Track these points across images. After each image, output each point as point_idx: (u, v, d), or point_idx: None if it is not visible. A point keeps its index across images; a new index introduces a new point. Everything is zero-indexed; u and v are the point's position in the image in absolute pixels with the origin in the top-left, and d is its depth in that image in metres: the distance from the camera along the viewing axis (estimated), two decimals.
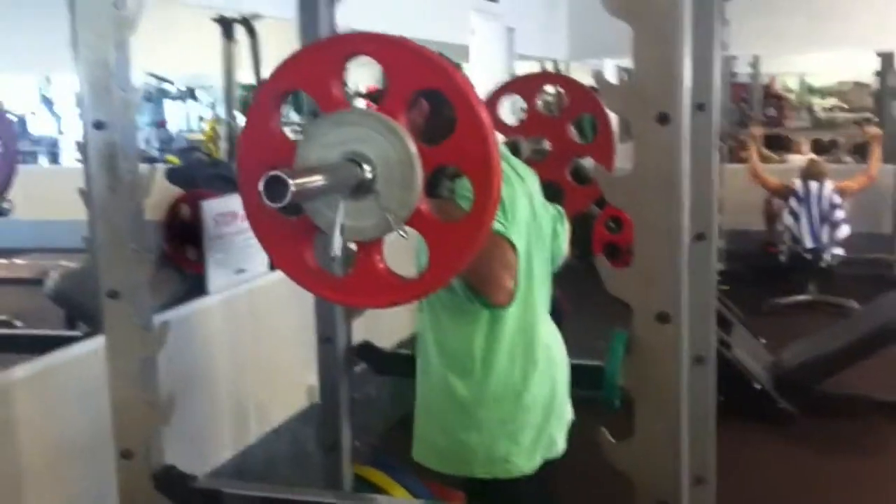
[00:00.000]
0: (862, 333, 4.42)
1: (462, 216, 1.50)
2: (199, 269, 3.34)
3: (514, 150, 2.54)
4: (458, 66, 1.50)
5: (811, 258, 6.34)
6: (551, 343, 2.21)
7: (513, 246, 1.91)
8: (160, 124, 12.56)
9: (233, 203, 3.28)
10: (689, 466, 1.80)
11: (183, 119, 13.34)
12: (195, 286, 3.26)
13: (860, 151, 9.84)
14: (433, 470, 2.25)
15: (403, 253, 1.65)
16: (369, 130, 1.43)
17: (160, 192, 3.86)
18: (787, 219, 6.43)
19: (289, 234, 1.61)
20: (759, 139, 6.93)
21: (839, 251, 6.37)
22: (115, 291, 1.94)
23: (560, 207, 2.37)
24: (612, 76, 9.18)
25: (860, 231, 6.89)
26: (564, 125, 2.79)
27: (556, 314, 2.52)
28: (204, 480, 1.99)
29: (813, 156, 7.82)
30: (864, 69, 12.00)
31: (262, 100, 1.56)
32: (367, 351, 2.95)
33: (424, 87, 1.48)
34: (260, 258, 3.30)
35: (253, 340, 3.22)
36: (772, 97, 12.27)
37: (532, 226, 2.10)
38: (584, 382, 2.77)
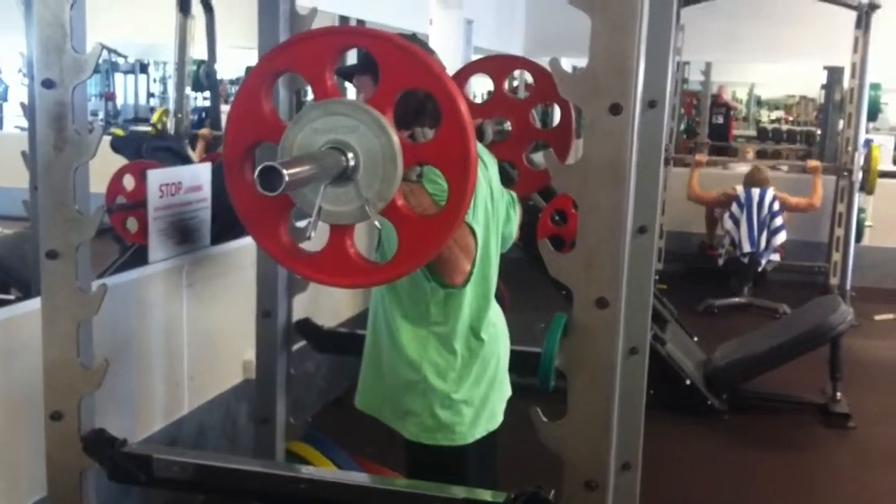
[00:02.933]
0: (790, 336, 4.54)
1: (432, 209, 1.60)
2: (140, 240, 3.30)
3: (479, 134, 2.59)
4: (443, 66, 1.54)
5: (748, 262, 6.48)
6: (496, 321, 2.26)
7: (473, 231, 1.96)
8: (108, 97, 12.37)
9: (178, 174, 3.26)
10: (617, 452, 1.84)
11: (132, 93, 13.15)
12: (137, 259, 3.23)
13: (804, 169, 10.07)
14: (374, 418, 2.26)
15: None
16: (357, 122, 1.49)
17: (103, 165, 3.82)
18: (728, 223, 6.55)
19: (267, 210, 1.65)
20: (702, 164, 7.06)
21: (775, 257, 6.52)
22: (55, 252, 1.91)
23: (513, 193, 2.42)
24: None
25: (797, 238, 7.06)
26: (528, 110, 2.85)
27: (498, 304, 2.62)
28: (134, 445, 1.98)
29: (756, 162, 7.97)
30: (811, 85, 12.28)
31: (255, 78, 1.59)
32: (307, 327, 2.96)
33: (415, 87, 1.54)
34: (203, 230, 3.28)
35: (191, 312, 3.20)
36: (720, 105, 12.48)
37: (490, 210, 2.16)
38: (521, 368, 2.82)
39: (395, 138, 1.50)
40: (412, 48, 1.54)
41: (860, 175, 6.79)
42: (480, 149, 2.24)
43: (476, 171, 1.53)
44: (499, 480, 2.32)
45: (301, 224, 1.72)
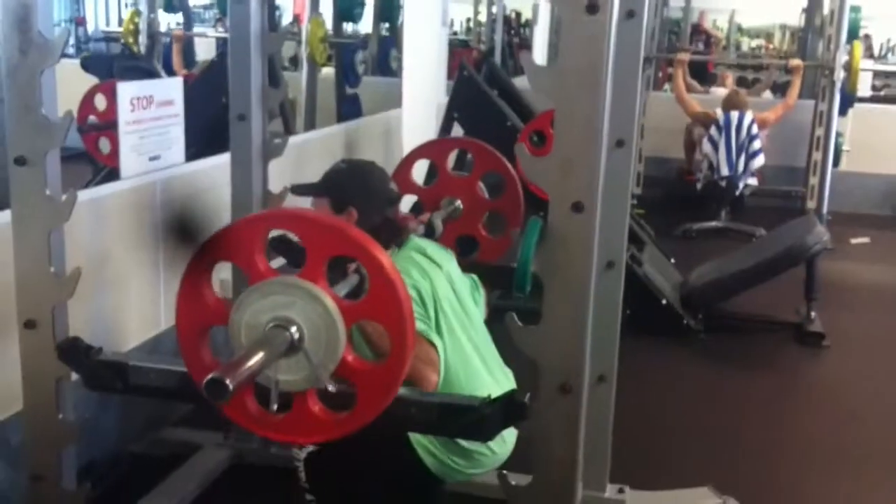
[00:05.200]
0: (765, 256, 4.56)
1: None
2: (113, 162, 3.25)
3: (430, 229, 2.71)
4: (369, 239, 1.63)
5: (726, 186, 6.48)
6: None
7: (432, 343, 2.07)
8: (78, 21, 12.09)
9: (150, 88, 3.20)
10: (592, 365, 1.85)
11: (103, 18, 12.84)
12: (110, 180, 3.18)
13: (781, 90, 10.04)
14: None
15: None
16: (292, 297, 1.58)
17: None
18: (706, 146, 6.54)
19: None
20: (685, 65, 6.99)
21: (753, 181, 6.53)
22: (23, 158, 1.89)
23: (475, 276, 2.51)
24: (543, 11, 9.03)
25: (775, 164, 7.07)
26: (474, 183, 3.01)
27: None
28: (110, 353, 1.97)
29: (735, 87, 7.93)
30: (792, 13, 12.18)
31: (194, 270, 1.68)
32: (280, 244, 2.94)
33: (339, 254, 1.64)
34: (176, 147, 3.24)
35: (166, 229, 3.16)
36: (701, 33, 12.38)
37: (455, 303, 2.25)
38: (497, 284, 2.83)
39: (332, 304, 1.59)
40: (332, 223, 1.70)
41: (842, 74, 6.74)
42: (433, 249, 2.36)
43: (412, 319, 1.62)
44: None
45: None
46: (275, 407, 1.62)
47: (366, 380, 1.64)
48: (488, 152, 3.00)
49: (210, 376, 1.44)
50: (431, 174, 3.37)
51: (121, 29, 9.63)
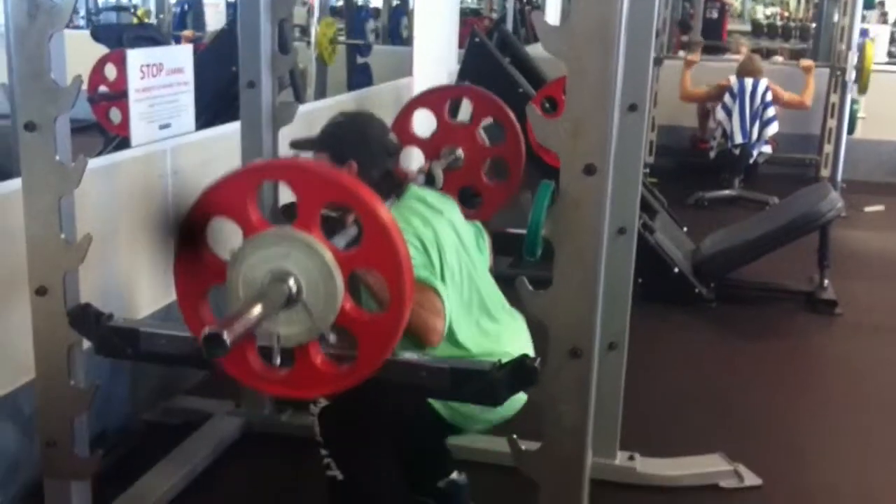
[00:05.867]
0: (778, 223, 4.53)
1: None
2: (124, 132, 3.24)
3: (430, 178, 2.69)
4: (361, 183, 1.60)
5: (739, 154, 6.43)
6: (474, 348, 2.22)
7: (436, 290, 2.03)
8: None
9: (160, 55, 3.18)
10: (603, 332, 1.84)
11: None
12: (121, 150, 3.17)
13: (797, 56, 9.95)
14: None
15: None
16: (288, 248, 1.56)
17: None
18: (720, 114, 6.49)
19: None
20: (693, 65, 6.94)
21: (767, 148, 6.48)
22: (33, 123, 1.88)
23: (478, 223, 2.48)
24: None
25: (789, 131, 7.01)
26: (474, 132, 2.96)
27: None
28: (120, 320, 1.98)
29: (750, 53, 7.84)
30: None
31: (187, 229, 1.66)
32: (292, 211, 2.94)
33: (331, 201, 1.62)
34: (186, 115, 3.22)
35: (177, 199, 3.16)
36: (715, 1, 12.26)
37: (461, 249, 2.24)
38: (507, 250, 2.82)
39: (328, 253, 1.56)
40: (322, 170, 1.66)
41: (853, 74, 6.70)
42: (434, 197, 2.34)
43: (409, 265, 1.59)
44: None
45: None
46: (277, 361, 1.61)
47: (366, 329, 1.62)
48: (487, 98, 2.97)
49: (206, 331, 1.43)
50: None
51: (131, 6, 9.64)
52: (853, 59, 6.69)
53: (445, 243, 2.16)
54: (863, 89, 6.86)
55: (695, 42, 9.57)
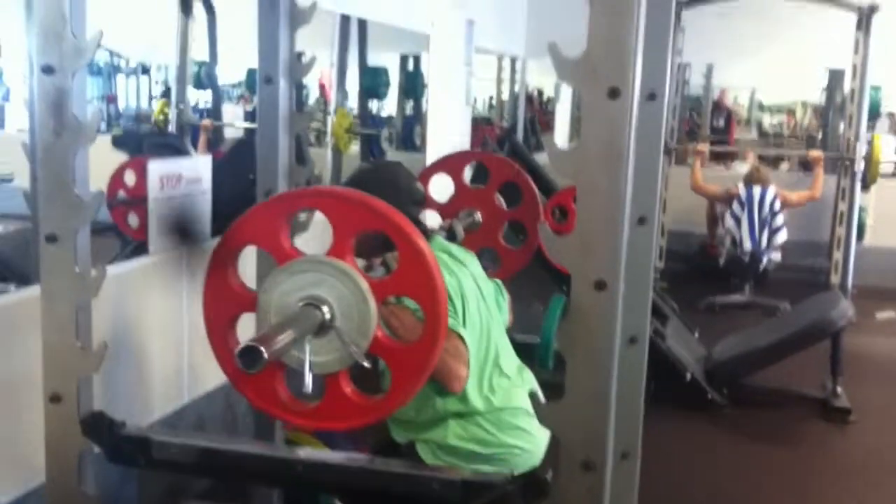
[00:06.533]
0: (790, 331, 4.54)
1: (417, 324, 1.66)
2: (142, 236, 3.30)
3: (451, 235, 2.73)
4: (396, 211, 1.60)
5: (749, 261, 6.48)
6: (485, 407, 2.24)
7: (461, 337, 2.04)
8: (110, 99, 12.37)
9: (179, 166, 3.26)
10: (616, 441, 1.84)
11: (133, 95, 13.14)
12: (138, 254, 3.23)
13: (805, 168, 10.07)
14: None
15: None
16: (322, 275, 1.56)
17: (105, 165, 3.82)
18: (729, 222, 6.56)
19: (261, 374, 1.65)
20: (704, 156, 7.06)
21: (776, 256, 6.52)
22: (54, 235, 1.92)
23: (498, 281, 2.50)
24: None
25: (799, 238, 7.06)
26: (492, 195, 3.00)
27: None
28: (133, 428, 1.98)
29: (757, 163, 7.96)
30: (813, 90, 12.29)
31: (218, 258, 1.69)
32: None
33: (366, 229, 1.61)
34: (203, 222, 3.28)
35: (191, 303, 3.20)
36: (722, 109, 12.48)
37: (481, 302, 2.24)
38: (521, 358, 2.82)
39: (362, 280, 1.56)
40: (358, 197, 1.62)
41: (862, 165, 6.76)
42: (457, 249, 2.36)
43: (444, 292, 1.59)
44: None
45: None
46: (309, 388, 1.57)
47: (398, 359, 1.60)
48: (504, 163, 3.01)
49: (243, 344, 1.41)
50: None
51: (152, 108, 9.87)
52: (862, 150, 6.75)
53: (468, 294, 2.15)
54: (872, 180, 6.90)
55: (703, 137, 9.72)
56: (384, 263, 1.84)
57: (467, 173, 3.20)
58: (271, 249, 1.61)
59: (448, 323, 1.93)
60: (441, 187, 3.08)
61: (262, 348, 1.41)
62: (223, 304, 1.68)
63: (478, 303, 2.20)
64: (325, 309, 1.55)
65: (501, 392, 2.19)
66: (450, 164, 3.07)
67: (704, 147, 7.27)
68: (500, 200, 2.99)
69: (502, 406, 2.09)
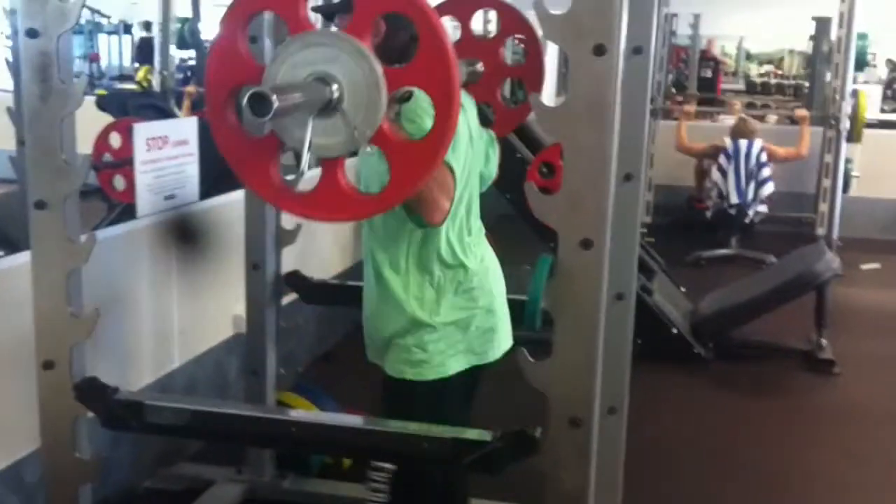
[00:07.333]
0: (776, 284, 4.58)
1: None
2: (128, 199, 3.30)
3: None
4: None
5: (735, 214, 6.51)
6: (487, 259, 2.22)
7: (451, 170, 1.97)
8: (92, 58, 12.25)
9: (165, 128, 3.25)
10: (602, 397, 1.87)
11: (116, 54, 13.01)
12: (125, 218, 3.23)
13: (793, 121, 10.07)
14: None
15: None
16: (337, 51, 1.49)
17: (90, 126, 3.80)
18: (715, 175, 6.58)
19: (254, 152, 1.66)
20: (691, 115, 7.05)
21: (763, 208, 6.55)
22: (43, 202, 1.92)
23: (492, 132, 2.42)
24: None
25: (785, 190, 7.09)
26: (497, 47, 2.81)
27: None
28: (126, 392, 2.00)
29: (743, 115, 7.96)
30: (800, 38, 12.27)
31: (230, 21, 1.59)
32: (295, 280, 2.98)
33: (390, 10, 1.54)
34: (190, 185, 3.28)
35: (180, 267, 3.21)
36: (709, 59, 12.44)
37: (469, 150, 2.16)
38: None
39: (377, 64, 1.50)
40: None
41: (847, 123, 6.79)
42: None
43: (458, 87, 1.52)
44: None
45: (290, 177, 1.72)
46: (305, 169, 1.52)
47: (401, 154, 1.55)
48: (517, 15, 2.81)
49: (254, 89, 1.36)
50: None
51: (135, 67, 9.79)
52: (847, 108, 6.77)
53: (461, 134, 2.08)
54: (857, 138, 6.93)
55: (690, 95, 9.70)
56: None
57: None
58: (287, 16, 1.54)
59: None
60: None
61: (273, 96, 1.35)
62: (227, 69, 1.60)
63: (465, 148, 2.13)
64: (334, 87, 1.49)
65: (469, 245, 2.18)
66: (459, 7, 2.85)
67: (692, 108, 7.27)
68: (505, 55, 2.86)
69: (462, 262, 2.11)
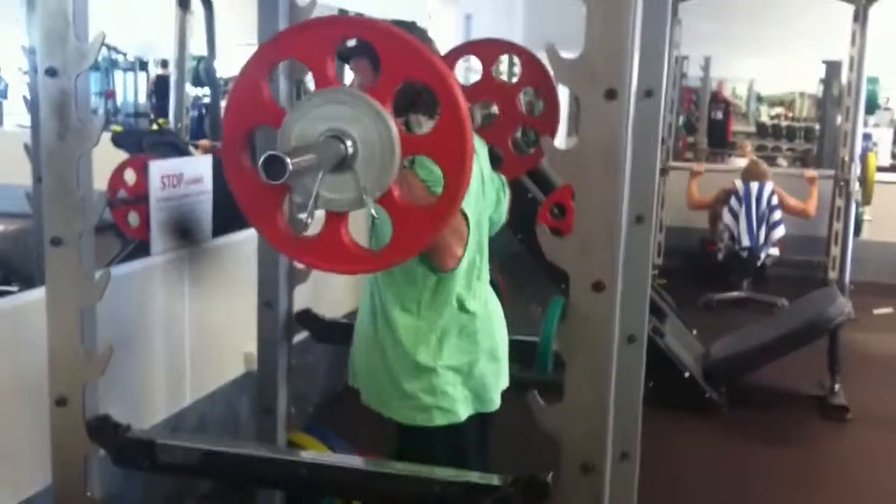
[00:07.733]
0: (788, 328, 4.56)
1: (423, 195, 1.66)
2: (142, 235, 3.31)
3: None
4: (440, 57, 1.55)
5: (747, 256, 6.49)
6: (491, 303, 2.24)
7: (465, 217, 1.99)
8: (108, 95, 12.35)
9: (180, 165, 3.28)
10: (615, 441, 1.86)
11: (132, 91, 13.13)
12: (139, 254, 3.25)
13: (801, 160, 10.09)
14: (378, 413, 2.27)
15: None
16: (357, 111, 1.52)
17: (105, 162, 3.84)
18: (727, 217, 6.58)
19: (264, 196, 1.67)
20: (699, 176, 7.07)
21: (774, 251, 6.54)
22: (59, 238, 1.94)
23: (503, 177, 2.43)
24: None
25: (796, 233, 7.07)
26: (515, 94, 2.84)
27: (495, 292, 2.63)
28: (138, 431, 2.00)
29: (754, 157, 7.97)
30: (811, 81, 12.31)
31: (256, 64, 1.61)
32: (307, 318, 2.97)
33: (416, 79, 1.56)
34: (204, 223, 3.30)
35: (193, 305, 3.22)
36: (720, 101, 12.48)
37: (479, 195, 2.17)
38: (520, 357, 2.83)
39: (395, 129, 1.53)
40: (413, 41, 1.56)
41: (857, 185, 6.82)
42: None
43: (471, 162, 1.55)
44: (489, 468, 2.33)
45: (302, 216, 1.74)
46: (309, 221, 1.55)
47: (407, 219, 1.57)
48: (539, 66, 2.83)
49: (270, 153, 1.40)
50: None
51: (151, 103, 9.89)
52: (856, 170, 6.79)
53: (472, 180, 2.10)
54: (867, 201, 6.95)
55: (700, 150, 9.74)
56: (405, 123, 1.78)
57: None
58: (315, 69, 1.57)
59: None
60: (458, 71, 2.91)
61: (288, 159, 1.38)
62: (246, 112, 1.62)
63: (476, 196, 2.14)
64: (349, 144, 1.52)
65: (479, 296, 2.18)
66: (483, 49, 2.89)
67: (700, 167, 7.27)
68: (522, 103, 2.87)
69: (476, 310, 2.11)
